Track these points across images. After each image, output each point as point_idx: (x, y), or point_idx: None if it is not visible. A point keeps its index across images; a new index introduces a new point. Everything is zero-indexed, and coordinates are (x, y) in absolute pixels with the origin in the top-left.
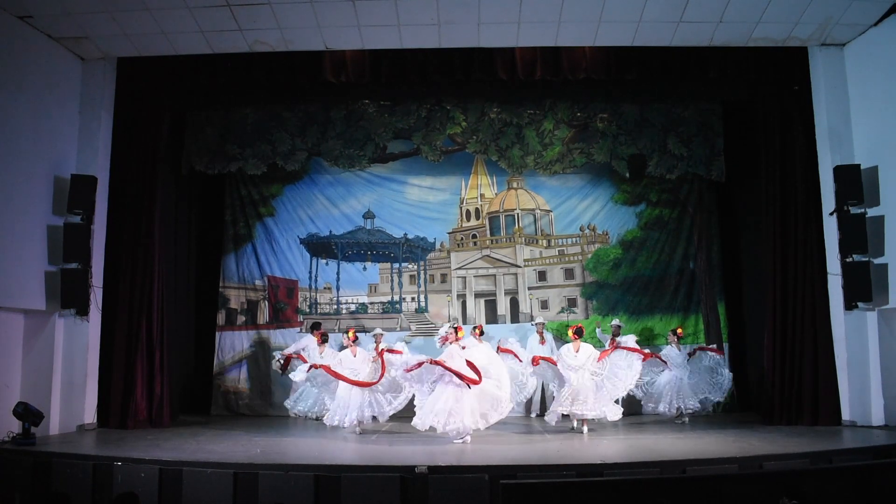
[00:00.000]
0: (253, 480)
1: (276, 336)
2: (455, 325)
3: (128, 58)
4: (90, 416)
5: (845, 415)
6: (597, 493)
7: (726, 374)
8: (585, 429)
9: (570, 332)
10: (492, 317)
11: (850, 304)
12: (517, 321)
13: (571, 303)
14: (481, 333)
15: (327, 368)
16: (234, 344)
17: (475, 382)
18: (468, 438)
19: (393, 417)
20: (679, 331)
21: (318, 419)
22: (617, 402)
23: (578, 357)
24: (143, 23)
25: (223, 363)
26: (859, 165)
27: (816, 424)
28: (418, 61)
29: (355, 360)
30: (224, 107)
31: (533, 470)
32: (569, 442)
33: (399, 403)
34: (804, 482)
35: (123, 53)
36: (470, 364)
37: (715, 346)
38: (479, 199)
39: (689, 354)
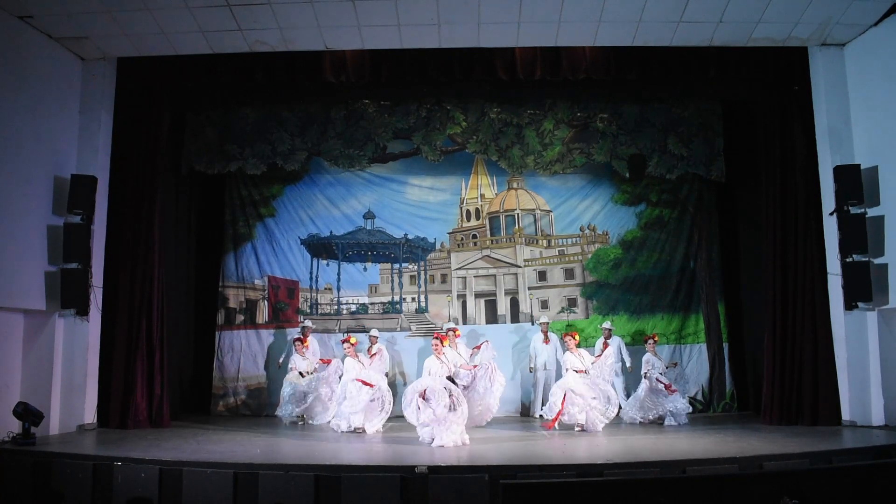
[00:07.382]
0: (253, 480)
1: (276, 336)
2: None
3: (128, 58)
4: (90, 416)
5: (845, 415)
6: (597, 493)
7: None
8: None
9: (570, 339)
10: (492, 317)
11: (850, 304)
12: (517, 321)
13: (571, 303)
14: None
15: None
16: (233, 344)
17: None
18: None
19: (393, 418)
20: (655, 337)
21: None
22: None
23: (585, 361)
24: (143, 23)
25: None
26: (859, 165)
27: (816, 424)
28: (418, 61)
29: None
30: (224, 107)
31: (533, 470)
32: (569, 442)
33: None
34: (804, 482)
35: (123, 53)
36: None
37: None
38: (479, 199)
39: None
